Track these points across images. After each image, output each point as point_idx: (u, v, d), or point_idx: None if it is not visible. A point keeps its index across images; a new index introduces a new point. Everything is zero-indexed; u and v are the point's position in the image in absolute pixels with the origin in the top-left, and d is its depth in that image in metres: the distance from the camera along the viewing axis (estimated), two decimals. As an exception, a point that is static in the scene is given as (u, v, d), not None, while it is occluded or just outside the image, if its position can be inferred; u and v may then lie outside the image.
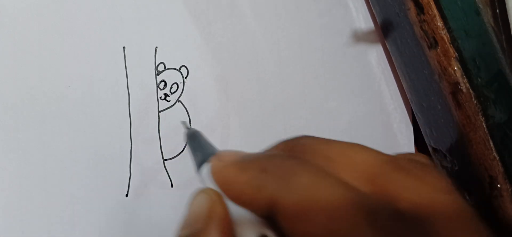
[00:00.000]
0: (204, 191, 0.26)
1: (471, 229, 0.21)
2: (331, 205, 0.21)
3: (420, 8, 0.34)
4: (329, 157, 0.24)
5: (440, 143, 0.37)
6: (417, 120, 0.40)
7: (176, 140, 0.39)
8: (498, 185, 0.34)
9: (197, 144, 0.30)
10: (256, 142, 0.41)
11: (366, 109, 0.43)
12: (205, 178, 0.26)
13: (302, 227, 0.21)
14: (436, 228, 0.21)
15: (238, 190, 0.24)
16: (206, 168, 0.26)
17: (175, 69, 0.39)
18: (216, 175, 0.25)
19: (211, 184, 0.26)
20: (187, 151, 0.39)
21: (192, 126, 0.40)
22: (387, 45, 0.40)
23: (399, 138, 0.44)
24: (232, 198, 0.24)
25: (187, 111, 0.40)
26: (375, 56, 0.43)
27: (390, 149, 0.43)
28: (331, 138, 0.39)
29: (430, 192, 0.22)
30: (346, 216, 0.21)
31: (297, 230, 0.22)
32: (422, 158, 0.28)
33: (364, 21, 0.43)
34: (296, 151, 0.25)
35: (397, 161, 0.24)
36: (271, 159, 0.24)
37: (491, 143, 0.34)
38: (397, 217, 0.21)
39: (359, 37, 0.43)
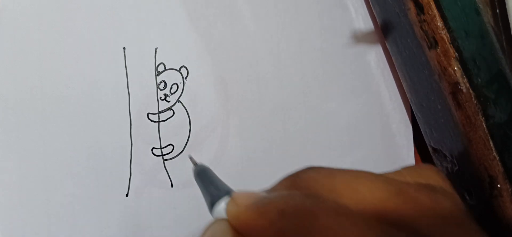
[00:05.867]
0: (224, 221, 0.25)
1: None
2: None
3: (420, 8, 0.34)
4: (335, 191, 0.23)
5: (440, 143, 0.37)
6: (417, 120, 0.40)
7: (176, 140, 0.39)
8: (498, 185, 0.34)
9: (207, 182, 0.30)
10: (255, 143, 0.41)
11: (365, 110, 0.43)
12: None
13: None
14: None
15: (259, 234, 0.23)
16: (220, 211, 0.26)
17: (175, 69, 0.39)
18: (235, 221, 0.24)
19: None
20: (187, 151, 0.39)
21: (192, 127, 0.40)
22: (387, 45, 0.41)
23: (397, 139, 0.44)
24: None
25: (187, 111, 0.40)
26: (374, 57, 0.43)
27: (389, 149, 0.43)
28: (331, 139, 0.39)
29: (442, 224, 0.22)
30: None
31: None
32: (431, 175, 0.27)
33: (363, 22, 0.43)
34: (301, 187, 0.24)
35: (406, 191, 0.23)
36: (288, 201, 0.23)
37: (491, 143, 0.34)
38: None
39: (359, 38, 0.43)
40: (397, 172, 0.27)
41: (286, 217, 0.22)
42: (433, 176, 0.27)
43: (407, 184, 0.23)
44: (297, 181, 0.25)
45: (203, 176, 0.32)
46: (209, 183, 0.30)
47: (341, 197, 0.23)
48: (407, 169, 0.27)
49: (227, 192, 0.27)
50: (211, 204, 0.27)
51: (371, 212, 0.22)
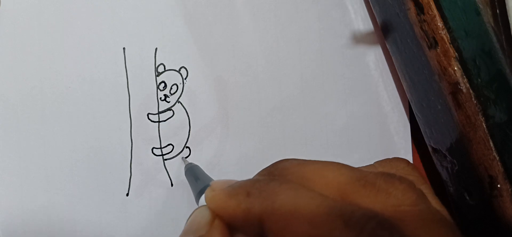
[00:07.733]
0: (205, 206, 0.28)
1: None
2: (311, 214, 0.23)
3: (420, 8, 0.34)
4: (304, 177, 0.26)
5: (440, 143, 0.37)
6: (417, 120, 0.40)
7: (176, 141, 0.39)
8: (498, 185, 0.34)
9: (194, 177, 0.33)
10: (254, 143, 0.41)
11: (363, 111, 0.43)
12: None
13: None
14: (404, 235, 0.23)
15: (230, 214, 0.26)
16: (203, 200, 0.28)
17: (174, 70, 0.39)
18: (212, 204, 0.27)
19: None
20: (186, 151, 0.39)
21: (192, 127, 0.40)
22: (387, 45, 0.41)
23: (396, 139, 0.44)
24: (227, 222, 0.27)
25: (186, 112, 0.40)
26: (373, 58, 0.43)
27: (387, 150, 0.43)
28: (329, 140, 0.39)
29: (395, 205, 0.24)
30: (325, 221, 0.23)
31: None
32: (400, 165, 0.30)
33: (362, 23, 0.43)
34: (275, 175, 0.27)
35: (366, 177, 0.25)
36: (254, 184, 0.26)
37: (491, 143, 0.34)
38: (370, 216, 0.23)
39: (358, 39, 0.43)
40: (371, 165, 0.30)
41: (251, 197, 0.25)
42: (401, 165, 0.30)
43: (370, 172, 0.26)
44: (272, 170, 0.28)
45: (192, 173, 0.34)
46: (196, 178, 0.32)
47: (309, 182, 0.26)
48: (379, 161, 0.31)
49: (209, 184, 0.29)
50: (197, 196, 0.30)
51: (333, 194, 0.25)
